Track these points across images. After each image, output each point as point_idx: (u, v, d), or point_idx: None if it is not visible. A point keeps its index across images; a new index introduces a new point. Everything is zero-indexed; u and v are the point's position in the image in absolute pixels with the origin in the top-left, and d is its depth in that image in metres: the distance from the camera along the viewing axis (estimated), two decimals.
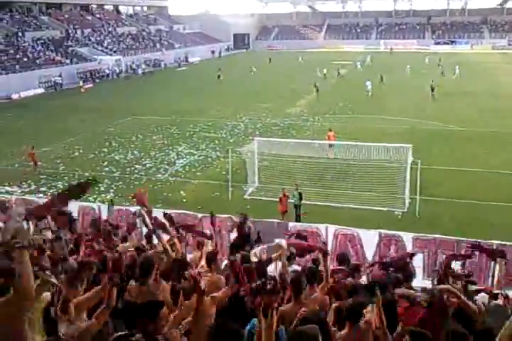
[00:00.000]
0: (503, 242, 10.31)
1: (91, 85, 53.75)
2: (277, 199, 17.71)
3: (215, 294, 5.55)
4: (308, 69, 59.19)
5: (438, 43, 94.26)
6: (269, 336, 3.94)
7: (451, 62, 59.99)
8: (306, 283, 6.10)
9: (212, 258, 6.95)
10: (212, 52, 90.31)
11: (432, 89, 42.20)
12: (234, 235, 9.74)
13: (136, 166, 24.72)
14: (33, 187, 21.54)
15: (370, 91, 43.34)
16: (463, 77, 52.57)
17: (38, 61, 56.04)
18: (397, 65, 61.53)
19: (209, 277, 6.30)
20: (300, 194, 17.66)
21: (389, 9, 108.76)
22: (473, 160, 24.17)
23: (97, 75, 60.03)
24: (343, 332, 5.10)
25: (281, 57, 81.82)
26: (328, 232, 11.29)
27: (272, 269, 7.94)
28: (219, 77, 56.21)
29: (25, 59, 55.01)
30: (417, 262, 10.27)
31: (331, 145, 24.39)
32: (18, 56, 54.91)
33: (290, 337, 4.25)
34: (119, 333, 3.98)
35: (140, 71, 64.15)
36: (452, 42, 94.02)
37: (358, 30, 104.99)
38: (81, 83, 52.29)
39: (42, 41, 61.73)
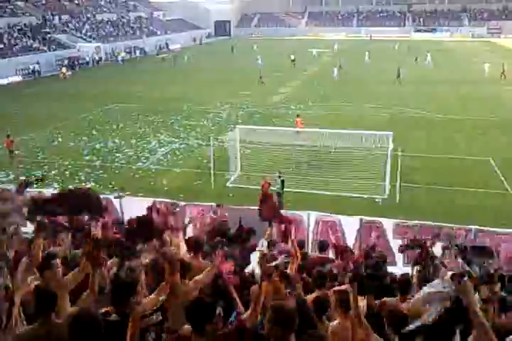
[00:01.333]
0: (480, 227, 10.52)
1: (70, 73, 52.83)
2: (260, 187, 17.74)
3: (196, 277, 5.55)
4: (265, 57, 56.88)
5: (418, 31, 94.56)
6: None
7: (424, 50, 60.18)
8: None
9: (194, 245, 6.96)
10: (194, 39, 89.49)
11: (398, 76, 42.48)
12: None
13: (117, 154, 24.51)
14: (11, 176, 21.22)
15: (337, 77, 45.07)
16: (438, 65, 52.92)
17: (14, 48, 54.81)
18: (363, 52, 60.68)
19: (195, 262, 6.30)
20: (282, 181, 17.75)
21: None
22: (452, 146, 24.51)
23: (77, 63, 58.99)
24: (335, 322, 5.07)
25: (248, 45, 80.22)
26: (310, 219, 11.41)
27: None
28: (163, 59, 61.92)
29: (1, 46, 53.77)
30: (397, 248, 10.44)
31: (298, 132, 24.52)
32: None
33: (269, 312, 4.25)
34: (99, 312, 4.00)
35: (120, 58, 63.23)
36: (432, 30, 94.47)
37: (339, 18, 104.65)
38: (64, 70, 51.28)
39: (18, 27, 60.29)
